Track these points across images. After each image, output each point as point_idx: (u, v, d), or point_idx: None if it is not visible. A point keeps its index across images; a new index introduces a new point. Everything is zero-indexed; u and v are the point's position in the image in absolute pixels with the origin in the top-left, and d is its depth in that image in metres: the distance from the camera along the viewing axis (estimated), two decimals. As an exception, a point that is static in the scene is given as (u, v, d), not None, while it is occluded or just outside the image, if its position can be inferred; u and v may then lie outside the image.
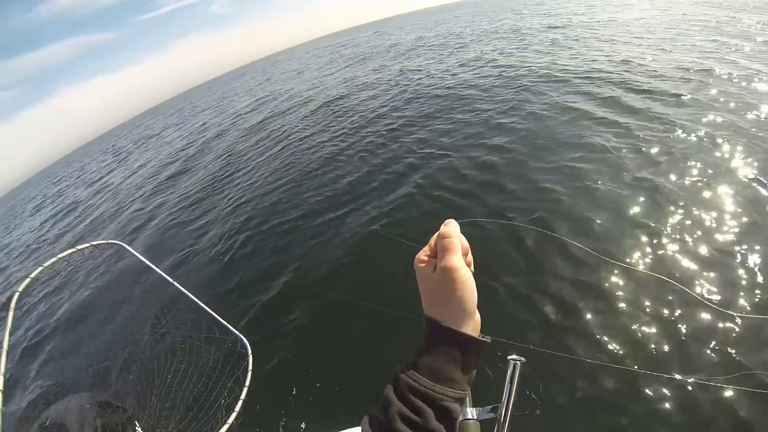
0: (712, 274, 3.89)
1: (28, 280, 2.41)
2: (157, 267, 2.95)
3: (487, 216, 5.40)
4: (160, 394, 2.74)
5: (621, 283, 4.06)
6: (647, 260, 4.28)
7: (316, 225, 6.42)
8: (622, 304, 3.83)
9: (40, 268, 2.52)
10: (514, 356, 1.24)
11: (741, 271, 3.86)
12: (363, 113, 12.34)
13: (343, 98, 15.65)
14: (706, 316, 3.50)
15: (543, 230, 4.78)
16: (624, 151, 6.09)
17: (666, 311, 3.64)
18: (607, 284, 4.06)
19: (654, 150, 5.98)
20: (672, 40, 12.40)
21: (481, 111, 9.24)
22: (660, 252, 4.30)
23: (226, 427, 2.28)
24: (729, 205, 4.68)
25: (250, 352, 2.58)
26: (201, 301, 2.78)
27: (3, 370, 1.85)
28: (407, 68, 17.55)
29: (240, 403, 2.37)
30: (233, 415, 2.34)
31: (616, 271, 4.17)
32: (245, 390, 2.42)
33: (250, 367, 2.50)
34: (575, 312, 3.87)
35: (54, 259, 2.60)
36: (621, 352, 3.43)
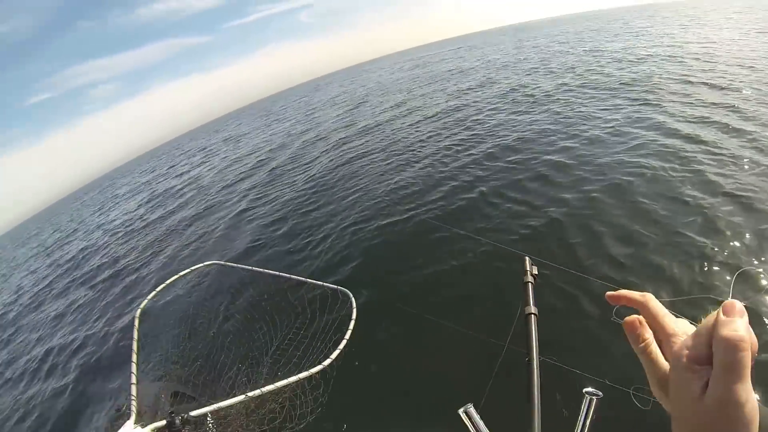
0: None
1: (146, 301, 2.90)
2: (251, 267, 3.39)
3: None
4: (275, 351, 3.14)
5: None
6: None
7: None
8: None
9: (156, 291, 3.03)
10: (590, 389, 1.20)
11: None
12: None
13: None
14: None
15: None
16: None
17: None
18: None
19: None
20: None
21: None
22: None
23: (336, 352, 2.47)
24: None
25: (352, 297, 2.80)
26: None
27: (134, 380, 2.22)
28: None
29: (349, 332, 2.57)
30: (343, 342, 2.55)
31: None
32: (352, 322, 2.63)
33: (354, 305, 2.71)
34: None
35: (169, 282, 3.15)
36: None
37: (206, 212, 12.54)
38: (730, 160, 6.33)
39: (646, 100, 10.57)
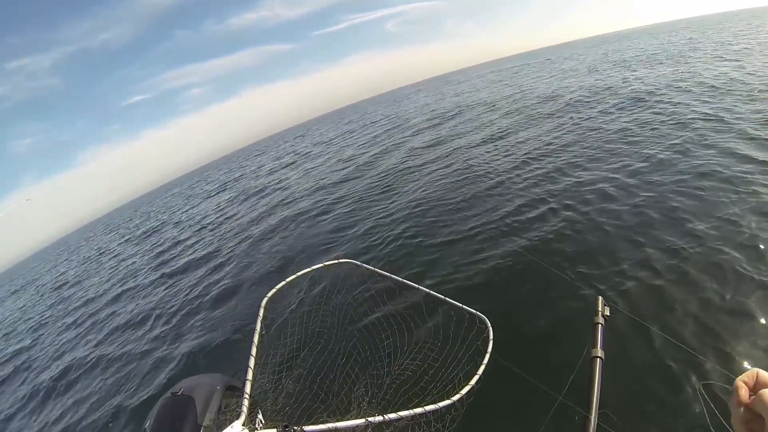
0: None
1: (274, 290, 2.93)
2: (387, 273, 3.34)
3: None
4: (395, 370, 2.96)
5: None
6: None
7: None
8: None
9: (284, 282, 3.03)
10: None
11: None
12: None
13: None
14: None
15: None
16: None
17: None
18: None
19: None
20: None
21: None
22: None
23: (467, 388, 2.26)
24: None
25: (489, 326, 2.61)
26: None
27: (250, 376, 2.16)
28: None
29: (482, 367, 2.39)
30: (475, 378, 2.34)
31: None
32: (488, 356, 2.45)
33: (491, 336, 2.53)
34: None
35: (300, 273, 3.13)
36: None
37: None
38: None
39: None
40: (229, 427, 1.77)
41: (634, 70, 21.76)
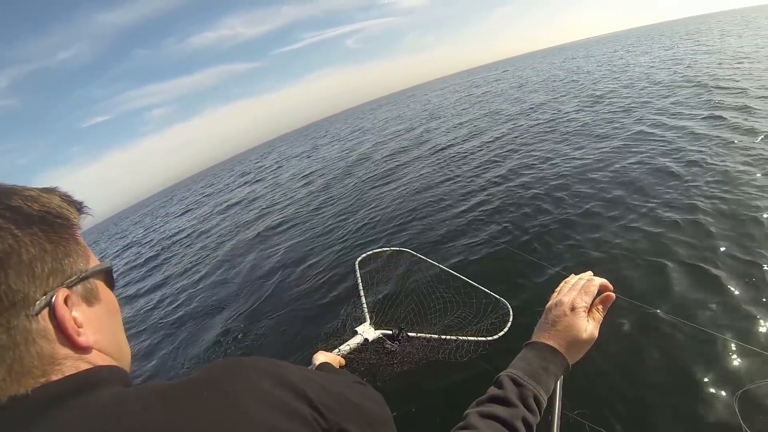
0: None
1: (363, 256, 3.69)
2: (435, 262, 4.04)
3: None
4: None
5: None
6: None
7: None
8: None
9: (373, 251, 3.87)
10: None
11: None
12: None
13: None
14: None
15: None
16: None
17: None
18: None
19: None
20: None
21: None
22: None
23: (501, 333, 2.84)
24: None
25: (511, 311, 3.07)
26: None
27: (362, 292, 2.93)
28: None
29: (500, 334, 2.85)
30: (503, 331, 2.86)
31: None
32: (504, 330, 2.89)
33: (511, 317, 2.99)
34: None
35: (381, 250, 3.97)
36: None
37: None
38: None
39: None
40: (362, 326, 2.47)
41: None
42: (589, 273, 1.12)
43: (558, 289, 1.12)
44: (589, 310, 1.03)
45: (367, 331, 2.38)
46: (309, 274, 7.69)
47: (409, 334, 2.63)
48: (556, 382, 1.05)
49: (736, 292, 4.07)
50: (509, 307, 3.11)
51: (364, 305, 2.81)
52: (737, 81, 13.08)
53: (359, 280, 3.20)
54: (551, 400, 1.08)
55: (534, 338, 1.03)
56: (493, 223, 7.26)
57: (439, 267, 4.03)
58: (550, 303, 1.08)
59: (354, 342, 2.25)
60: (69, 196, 0.71)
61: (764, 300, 3.89)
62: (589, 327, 0.99)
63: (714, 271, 4.45)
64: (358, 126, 46.07)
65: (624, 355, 3.83)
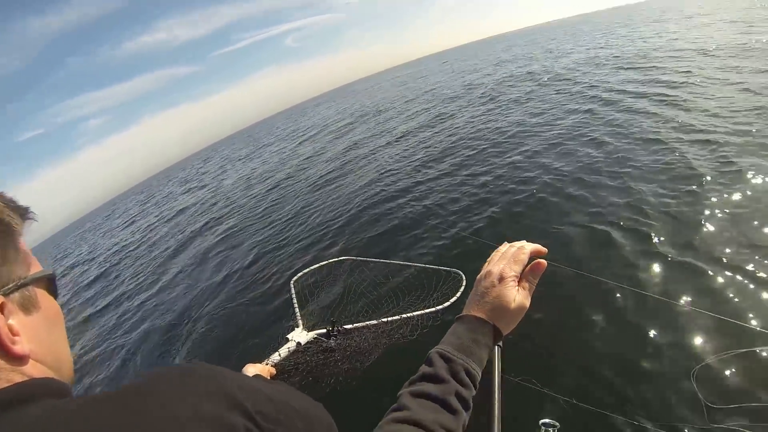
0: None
1: (297, 276, 3.62)
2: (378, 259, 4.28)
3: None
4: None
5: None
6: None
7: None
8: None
9: (308, 269, 3.78)
10: (547, 420, 1.23)
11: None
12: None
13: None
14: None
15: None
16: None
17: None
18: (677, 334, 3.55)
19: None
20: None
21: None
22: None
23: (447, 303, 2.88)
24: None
25: (464, 277, 3.10)
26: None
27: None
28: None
29: (453, 299, 2.92)
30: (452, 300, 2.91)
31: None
32: (458, 294, 2.96)
33: (464, 283, 3.04)
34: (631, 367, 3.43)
35: (316, 266, 3.88)
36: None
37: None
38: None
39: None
40: (293, 332, 2.48)
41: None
42: (523, 241, 1.07)
43: (489, 259, 1.08)
44: (520, 280, 1.00)
45: (299, 336, 2.38)
46: (253, 283, 7.68)
47: (345, 327, 2.64)
48: (493, 352, 1.05)
49: (684, 259, 4.35)
50: (462, 274, 3.11)
51: (297, 313, 2.80)
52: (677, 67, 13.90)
53: (293, 295, 3.18)
54: (490, 369, 1.11)
55: (465, 311, 1.00)
56: (432, 210, 7.57)
57: (383, 262, 4.10)
58: (480, 274, 1.05)
59: (285, 349, 2.23)
60: (12, 201, 0.68)
61: (705, 265, 4.19)
62: (518, 297, 0.97)
63: (655, 239, 4.78)
64: (300, 124, 46.14)
65: (566, 320, 4.06)
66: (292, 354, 2.32)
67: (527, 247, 1.05)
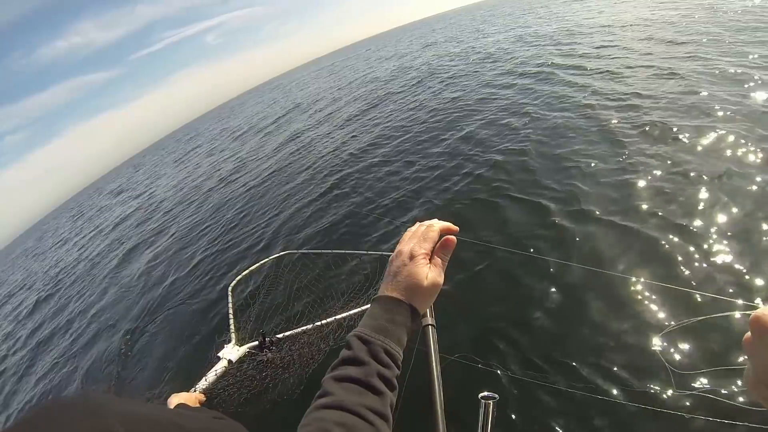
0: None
1: (235, 280, 3.59)
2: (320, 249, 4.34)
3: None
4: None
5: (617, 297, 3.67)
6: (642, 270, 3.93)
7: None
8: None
9: (246, 271, 3.69)
10: (485, 393, 1.19)
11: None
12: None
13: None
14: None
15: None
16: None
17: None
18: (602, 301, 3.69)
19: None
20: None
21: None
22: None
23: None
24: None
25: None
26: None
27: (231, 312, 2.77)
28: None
29: None
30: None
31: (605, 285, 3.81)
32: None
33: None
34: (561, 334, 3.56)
35: (254, 267, 3.79)
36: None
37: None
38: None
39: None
40: (225, 348, 2.36)
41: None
42: (433, 220, 1.09)
43: (401, 239, 1.09)
44: (431, 257, 1.01)
45: (230, 353, 2.28)
46: (192, 294, 7.48)
47: (278, 336, 2.57)
48: (428, 332, 1.12)
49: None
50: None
51: (231, 326, 2.68)
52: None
53: (230, 304, 3.08)
54: (426, 349, 1.12)
55: (380, 292, 1.00)
56: (356, 197, 7.88)
57: (323, 252, 4.05)
58: (392, 254, 1.06)
59: (214, 371, 2.14)
60: None
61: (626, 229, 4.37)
62: (430, 273, 0.97)
63: (588, 208, 4.93)
64: (225, 125, 45.59)
65: (504, 296, 4.10)
66: (225, 373, 2.22)
67: (436, 225, 1.06)
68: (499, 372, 3.13)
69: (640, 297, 3.58)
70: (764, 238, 3.75)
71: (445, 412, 1.06)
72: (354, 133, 12.91)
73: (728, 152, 5.13)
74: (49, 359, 8.90)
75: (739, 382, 2.68)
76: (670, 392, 2.82)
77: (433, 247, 1.02)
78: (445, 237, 1.03)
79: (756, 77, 7.00)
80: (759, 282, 3.37)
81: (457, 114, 10.50)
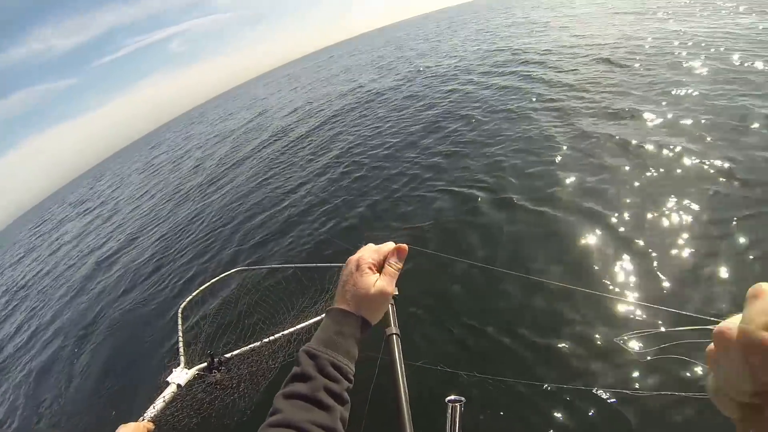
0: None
1: (185, 302, 3.52)
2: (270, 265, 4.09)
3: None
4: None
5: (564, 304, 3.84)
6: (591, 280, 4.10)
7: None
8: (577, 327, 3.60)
9: (197, 291, 3.65)
10: (452, 397, 1.22)
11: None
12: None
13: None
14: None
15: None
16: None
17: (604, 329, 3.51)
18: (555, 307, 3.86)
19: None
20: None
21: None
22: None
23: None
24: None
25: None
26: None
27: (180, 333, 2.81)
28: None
29: None
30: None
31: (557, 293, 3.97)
32: None
33: None
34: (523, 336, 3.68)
35: (204, 287, 3.74)
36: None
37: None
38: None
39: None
40: (174, 373, 2.37)
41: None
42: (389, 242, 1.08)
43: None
44: (382, 266, 1.01)
45: (178, 377, 2.28)
46: (145, 315, 7.32)
47: (226, 356, 2.57)
48: (392, 341, 1.12)
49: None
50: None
51: (181, 348, 2.68)
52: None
53: (180, 326, 3.08)
54: (391, 357, 1.13)
55: (333, 304, 0.99)
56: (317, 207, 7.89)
57: (273, 267, 4.07)
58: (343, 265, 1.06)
59: (162, 398, 2.13)
60: None
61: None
62: (379, 282, 0.97)
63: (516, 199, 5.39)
64: (188, 132, 45.48)
65: (458, 302, 4.27)
66: (174, 399, 2.23)
67: (390, 243, 1.06)
68: (465, 375, 3.22)
69: (591, 306, 3.76)
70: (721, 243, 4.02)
71: (412, 419, 1.07)
72: (307, 144, 13.17)
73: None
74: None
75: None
76: (631, 373, 3.05)
77: (385, 258, 1.03)
78: (398, 245, 1.04)
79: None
80: (718, 291, 3.57)
81: (403, 122, 11.22)
